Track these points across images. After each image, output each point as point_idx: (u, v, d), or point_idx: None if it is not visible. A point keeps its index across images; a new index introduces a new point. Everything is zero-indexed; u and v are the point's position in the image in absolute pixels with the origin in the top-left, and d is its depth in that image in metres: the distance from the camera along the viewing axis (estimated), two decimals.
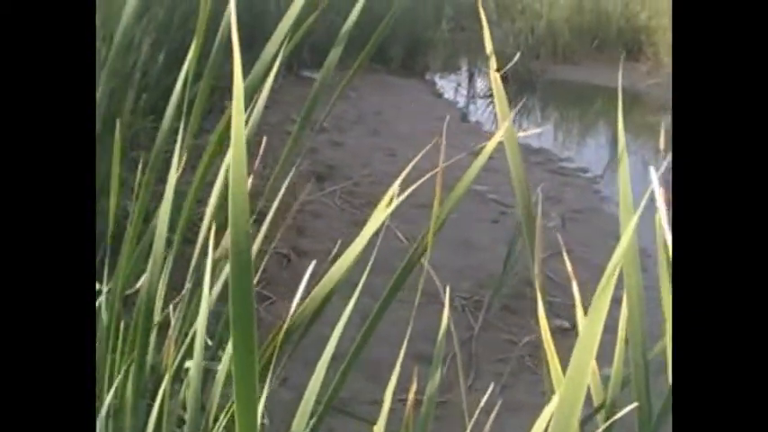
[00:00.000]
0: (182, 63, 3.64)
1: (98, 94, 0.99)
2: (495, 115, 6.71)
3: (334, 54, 0.99)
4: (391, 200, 0.87)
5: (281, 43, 0.96)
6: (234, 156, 0.50)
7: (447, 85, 8.12)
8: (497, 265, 3.21)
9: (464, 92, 7.95)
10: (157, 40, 3.00)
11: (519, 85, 7.54)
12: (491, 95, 7.76)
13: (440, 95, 7.55)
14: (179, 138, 0.97)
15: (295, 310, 0.86)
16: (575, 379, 0.57)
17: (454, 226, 3.63)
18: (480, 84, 8.31)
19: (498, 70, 0.89)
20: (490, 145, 0.81)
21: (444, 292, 0.85)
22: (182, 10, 3.94)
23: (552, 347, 0.67)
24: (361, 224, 3.49)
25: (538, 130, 6.04)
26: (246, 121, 1.06)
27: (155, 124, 3.34)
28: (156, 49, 2.94)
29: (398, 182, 0.88)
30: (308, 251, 3.34)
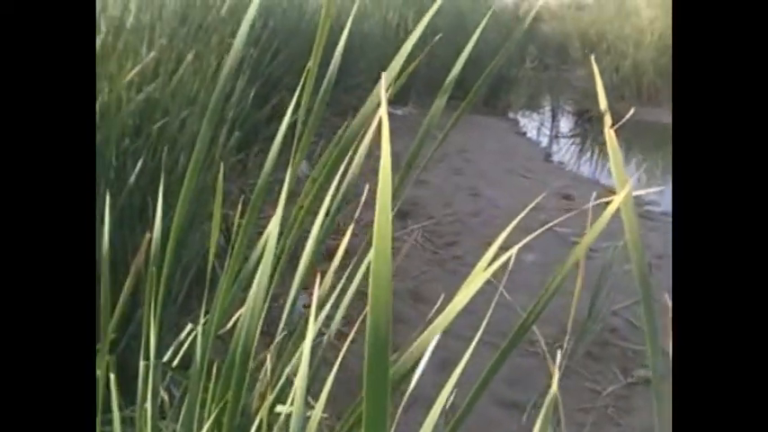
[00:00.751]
0: (269, 99, 3.67)
1: (199, 138, 0.99)
2: (579, 155, 6.64)
3: (440, 102, 0.98)
4: (490, 263, 0.84)
5: (388, 88, 0.95)
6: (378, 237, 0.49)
7: (529, 124, 8.07)
8: (580, 310, 3.14)
9: (547, 131, 7.88)
10: (250, 78, 3.05)
11: (602, 126, 7.45)
12: (574, 135, 7.69)
13: (523, 134, 7.50)
14: (288, 174, 0.96)
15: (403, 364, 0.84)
16: None
17: (536, 269, 3.57)
18: (563, 123, 8.23)
19: (612, 126, 0.86)
20: (610, 209, 0.77)
21: (552, 356, 0.82)
22: (274, 48, 4.01)
23: None
24: (441, 263, 3.46)
25: (657, 189, 5.87)
26: (348, 166, 1.05)
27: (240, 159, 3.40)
28: (248, 86, 2.99)
29: (500, 241, 0.85)
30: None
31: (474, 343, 0.81)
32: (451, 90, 0.98)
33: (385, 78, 0.77)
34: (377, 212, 0.48)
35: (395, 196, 1.14)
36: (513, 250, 0.79)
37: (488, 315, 0.85)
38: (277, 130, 1.02)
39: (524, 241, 0.80)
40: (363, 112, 0.97)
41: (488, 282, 0.84)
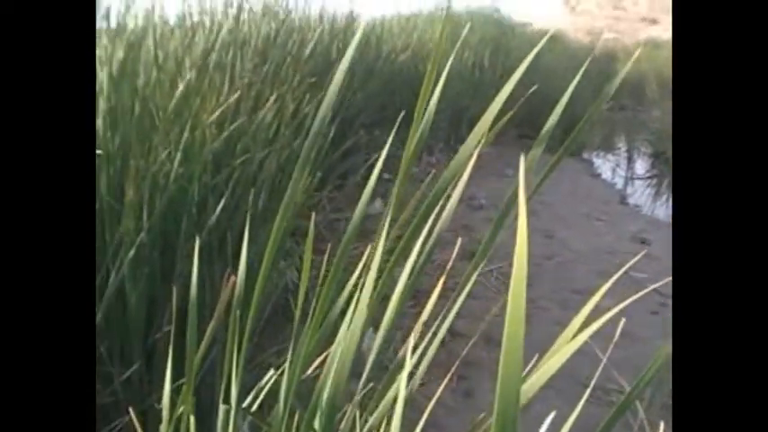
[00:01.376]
0: (345, 138, 3.67)
1: (291, 183, 0.98)
2: (654, 197, 6.50)
3: (536, 152, 0.96)
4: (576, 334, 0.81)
5: (483, 134, 0.93)
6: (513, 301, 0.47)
7: (604, 165, 7.95)
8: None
9: (622, 173, 7.75)
10: (331, 118, 3.07)
11: None
12: (649, 177, 7.55)
13: (597, 176, 7.39)
14: (385, 219, 0.94)
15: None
16: None
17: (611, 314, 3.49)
18: (639, 164, 8.11)
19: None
20: None
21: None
22: (352, 88, 4.05)
23: None
24: None
25: None
26: (440, 210, 1.04)
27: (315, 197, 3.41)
28: (327, 126, 3.02)
29: (591, 306, 0.82)
30: (464, 333, 3.28)
31: (582, 402, 0.78)
32: (521, 127, 0.97)
33: (481, 128, 0.76)
34: (513, 277, 0.46)
35: (478, 240, 1.12)
36: (611, 314, 0.75)
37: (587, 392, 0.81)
38: (349, 168, 1.01)
39: (622, 306, 0.77)
40: (458, 159, 0.95)
41: (563, 325, 0.82)
